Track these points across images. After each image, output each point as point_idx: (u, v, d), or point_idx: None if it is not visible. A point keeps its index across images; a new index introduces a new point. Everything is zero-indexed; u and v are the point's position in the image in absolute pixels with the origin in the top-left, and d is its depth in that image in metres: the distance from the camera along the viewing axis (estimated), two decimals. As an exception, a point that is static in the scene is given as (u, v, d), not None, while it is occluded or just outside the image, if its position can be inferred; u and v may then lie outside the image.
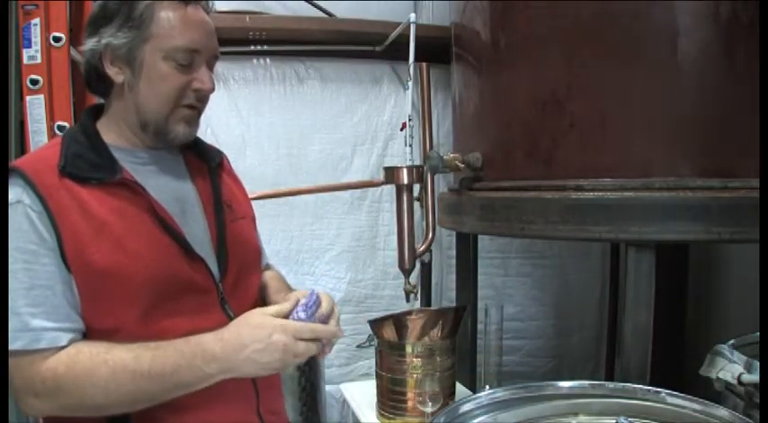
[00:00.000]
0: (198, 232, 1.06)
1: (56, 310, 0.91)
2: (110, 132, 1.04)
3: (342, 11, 2.37)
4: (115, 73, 1.01)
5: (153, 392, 0.91)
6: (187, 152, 1.15)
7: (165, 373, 0.90)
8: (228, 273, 1.07)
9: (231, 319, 1.03)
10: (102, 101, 1.10)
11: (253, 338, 0.92)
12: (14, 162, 0.98)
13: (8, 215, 0.92)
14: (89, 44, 1.01)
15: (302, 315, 0.97)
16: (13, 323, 0.88)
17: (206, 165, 1.15)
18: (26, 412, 0.95)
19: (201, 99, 1.05)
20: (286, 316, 0.97)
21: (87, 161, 0.98)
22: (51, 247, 0.91)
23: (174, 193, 1.06)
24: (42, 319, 0.89)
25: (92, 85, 1.07)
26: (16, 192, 0.93)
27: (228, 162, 1.25)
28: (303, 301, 0.99)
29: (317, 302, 1.00)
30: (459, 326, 1.70)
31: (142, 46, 0.98)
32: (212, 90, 1.04)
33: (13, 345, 0.88)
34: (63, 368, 0.89)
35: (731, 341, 1.43)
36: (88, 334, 0.95)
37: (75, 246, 0.92)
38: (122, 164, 1.00)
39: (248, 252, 1.15)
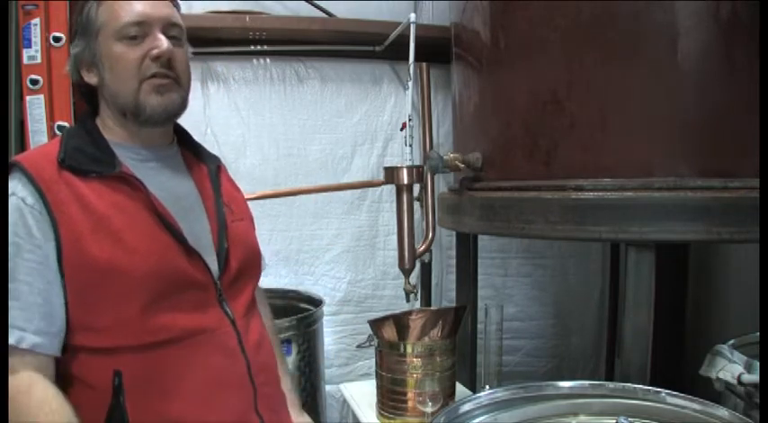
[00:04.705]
0: (198, 230, 1.06)
1: (29, 308, 0.90)
2: (104, 130, 1.06)
3: (342, 11, 2.37)
4: (90, 77, 1.05)
5: None
6: (186, 152, 1.16)
7: None
8: (228, 271, 1.08)
9: (229, 316, 1.05)
10: None
11: None
12: (15, 157, 0.99)
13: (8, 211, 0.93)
14: (68, 63, 1.07)
15: None
16: None
17: (205, 166, 1.17)
18: None
19: (166, 65, 1.02)
20: None
21: (87, 154, 0.99)
22: (38, 244, 0.92)
23: (174, 190, 1.07)
24: (13, 315, 0.89)
25: (84, 98, 1.10)
26: (12, 185, 0.94)
27: (226, 169, 1.26)
28: None
29: None
30: (459, 326, 1.70)
31: (95, 42, 1.02)
32: (169, 51, 1.02)
33: None
34: (12, 392, 0.88)
35: (731, 341, 1.43)
36: (87, 332, 0.95)
37: (74, 240, 0.92)
38: (122, 159, 1.01)
39: (248, 252, 1.16)
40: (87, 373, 0.96)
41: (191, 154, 1.17)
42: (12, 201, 0.93)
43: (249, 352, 1.07)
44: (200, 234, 1.06)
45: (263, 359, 1.12)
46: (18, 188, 0.93)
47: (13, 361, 0.90)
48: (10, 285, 0.90)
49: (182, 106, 1.08)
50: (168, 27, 1.04)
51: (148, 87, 1.01)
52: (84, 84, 1.06)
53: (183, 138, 1.18)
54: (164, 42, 1.01)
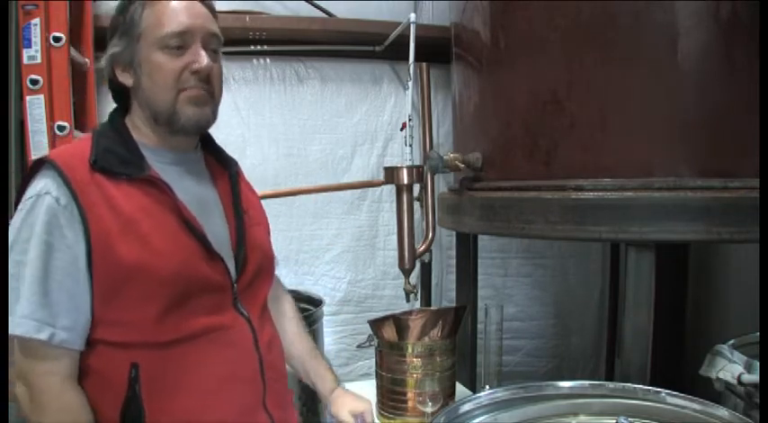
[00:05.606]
0: (218, 233, 1.09)
1: (58, 305, 0.93)
2: (133, 131, 1.08)
3: (342, 11, 2.37)
4: (125, 78, 1.06)
5: None
6: (208, 157, 1.19)
7: None
8: (245, 274, 1.11)
9: (245, 316, 1.08)
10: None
11: None
12: (48, 154, 1.01)
13: (22, 207, 0.96)
14: (103, 59, 1.08)
15: None
16: (21, 309, 0.92)
17: (225, 170, 1.19)
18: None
19: (204, 80, 1.04)
20: None
21: (117, 156, 1.01)
22: (69, 244, 0.94)
23: (197, 194, 1.10)
24: (42, 313, 0.92)
25: (115, 95, 1.12)
26: (46, 183, 0.96)
27: (243, 172, 1.28)
28: None
29: None
30: (459, 326, 1.70)
31: (137, 45, 1.03)
32: (209, 67, 1.04)
33: (16, 329, 0.92)
34: (44, 396, 0.94)
35: (731, 341, 1.43)
36: (107, 326, 0.98)
37: (103, 240, 0.95)
38: (150, 162, 1.03)
39: (264, 257, 1.19)
40: (104, 364, 0.99)
41: (213, 158, 1.20)
42: (46, 199, 0.94)
43: (262, 350, 1.10)
44: (219, 238, 1.09)
45: (274, 358, 1.15)
46: (53, 188, 0.95)
47: (44, 356, 0.94)
48: (40, 284, 0.93)
49: (213, 119, 1.10)
50: (209, 39, 1.05)
51: (185, 98, 1.03)
52: (117, 82, 1.08)
53: (206, 142, 1.21)
54: (204, 58, 1.03)
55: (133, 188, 1.00)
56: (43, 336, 0.92)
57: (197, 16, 1.04)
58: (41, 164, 0.98)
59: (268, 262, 1.21)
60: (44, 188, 0.95)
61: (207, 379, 1.02)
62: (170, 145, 1.09)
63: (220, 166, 1.20)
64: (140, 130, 1.08)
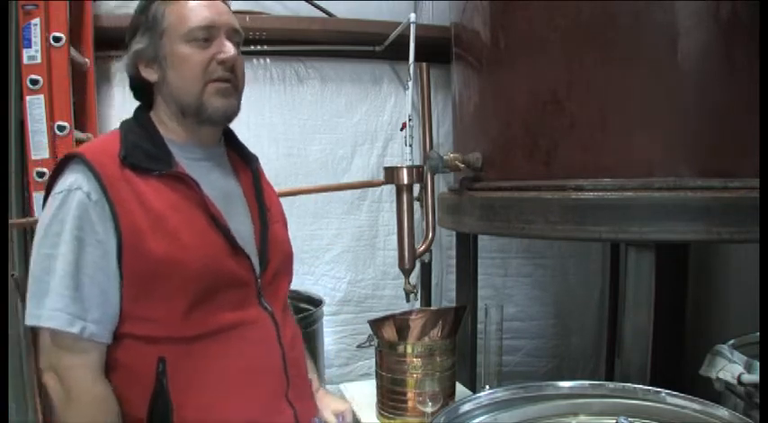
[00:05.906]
0: (242, 229, 1.11)
1: (89, 299, 0.95)
2: (159, 126, 1.09)
3: (342, 11, 2.37)
4: (150, 73, 1.07)
5: None
6: (230, 152, 1.20)
7: None
8: (268, 270, 1.12)
9: (268, 311, 1.10)
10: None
11: None
12: (77, 149, 1.02)
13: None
14: (125, 58, 1.10)
15: None
16: (52, 302, 0.93)
17: (247, 166, 1.21)
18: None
19: (230, 70, 1.07)
20: None
21: (144, 151, 1.03)
22: (100, 239, 0.95)
23: (223, 188, 1.12)
24: (74, 306, 0.94)
25: (137, 93, 1.14)
26: (76, 178, 0.97)
27: (262, 168, 1.28)
28: None
29: None
30: (459, 326, 1.70)
31: (161, 41, 1.05)
32: (235, 57, 1.06)
33: (48, 322, 0.93)
34: (75, 389, 0.95)
35: (731, 341, 1.43)
36: (135, 321, 0.99)
37: (133, 236, 0.96)
38: (177, 158, 1.05)
39: (284, 253, 1.21)
40: (131, 358, 1.00)
41: (235, 154, 1.21)
42: (76, 195, 0.95)
43: (285, 346, 1.12)
44: (244, 234, 1.10)
45: (296, 355, 1.17)
46: (83, 183, 0.96)
47: (74, 348, 0.95)
48: (71, 278, 0.94)
49: (238, 110, 1.12)
50: (232, 34, 1.08)
51: (212, 89, 1.05)
52: (139, 78, 1.09)
53: (229, 138, 1.22)
54: (231, 48, 1.06)
55: (161, 184, 1.01)
56: (75, 329, 0.93)
57: (221, 13, 1.07)
58: (70, 159, 1.00)
59: (288, 259, 1.23)
60: (74, 183, 0.96)
61: (232, 373, 1.03)
62: (197, 139, 1.10)
63: (242, 162, 1.21)
64: (167, 125, 1.09)
